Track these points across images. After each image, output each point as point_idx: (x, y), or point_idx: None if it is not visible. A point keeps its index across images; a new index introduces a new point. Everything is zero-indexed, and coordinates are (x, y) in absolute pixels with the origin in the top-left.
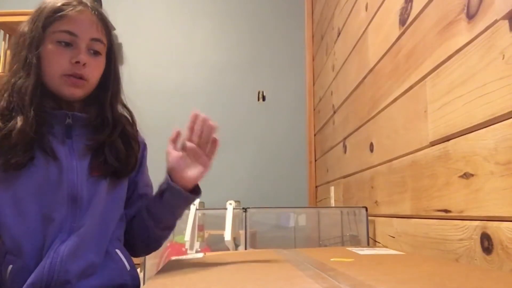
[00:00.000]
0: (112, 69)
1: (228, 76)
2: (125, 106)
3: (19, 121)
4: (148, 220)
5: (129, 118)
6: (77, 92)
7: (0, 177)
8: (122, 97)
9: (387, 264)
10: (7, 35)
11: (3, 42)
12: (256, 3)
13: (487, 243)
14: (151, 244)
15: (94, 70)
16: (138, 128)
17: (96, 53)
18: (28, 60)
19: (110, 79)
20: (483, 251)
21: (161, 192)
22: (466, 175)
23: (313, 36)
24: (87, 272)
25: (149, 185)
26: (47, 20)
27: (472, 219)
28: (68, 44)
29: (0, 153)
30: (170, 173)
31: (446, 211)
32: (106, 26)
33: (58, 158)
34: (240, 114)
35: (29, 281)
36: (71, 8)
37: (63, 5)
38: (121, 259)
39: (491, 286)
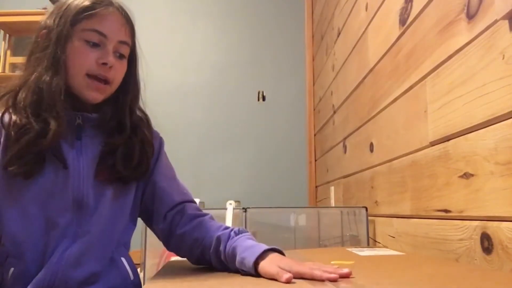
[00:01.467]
0: (132, 72)
1: (228, 76)
2: (141, 109)
3: (52, 122)
4: (213, 258)
5: (145, 121)
6: (99, 96)
7: (5, 180)
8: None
9: (387, 266)
10: (7, 35)
11: (3, 42)
12: (256, 3)
13: (487, 243)
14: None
15: (118, 73)
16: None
17: (122, 56)
18: (56, 57)
19: (131, 83)
20: (483, 251)
21: (241, 263)
22: (466, 175)
23: (313, 36)
24: (89, 280)
25: (169, 177)
26: (76, 16)
27: (472, 219)
28: (95, 45)
29: (21, 156)
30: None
31: (446, 211)
32: (132, 29)
33: (67, 166)
34: (240, 114)
35: (30, 287)
36: (102, 8)
37: (93, 3)
38: (125, 267)
39: (491, 286)
